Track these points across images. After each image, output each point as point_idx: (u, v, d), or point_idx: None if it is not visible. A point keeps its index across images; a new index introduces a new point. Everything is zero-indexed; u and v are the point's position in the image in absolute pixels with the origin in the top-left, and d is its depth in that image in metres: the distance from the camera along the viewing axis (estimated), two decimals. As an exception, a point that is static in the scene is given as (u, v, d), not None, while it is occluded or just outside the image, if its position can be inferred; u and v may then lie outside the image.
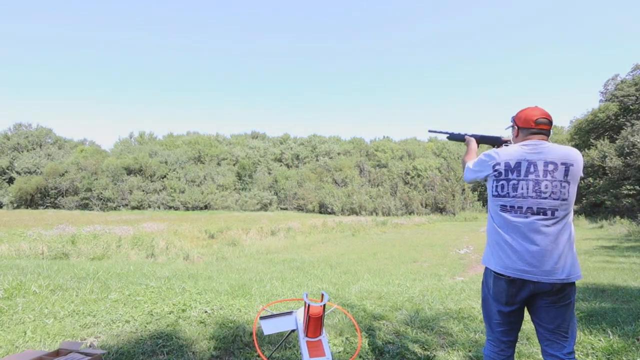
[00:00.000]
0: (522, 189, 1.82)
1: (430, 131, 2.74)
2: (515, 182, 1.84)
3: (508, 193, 1.86)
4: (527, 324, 3.53)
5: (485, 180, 2.01)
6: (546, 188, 1.78)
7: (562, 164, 1.78)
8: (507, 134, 2.30)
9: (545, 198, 1.78)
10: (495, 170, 1.91)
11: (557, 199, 1.77)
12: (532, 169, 1.81)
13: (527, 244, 1.79)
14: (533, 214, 1.79)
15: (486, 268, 1.98)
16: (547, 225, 1.77)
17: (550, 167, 1.79)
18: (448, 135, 2.62)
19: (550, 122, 1.91)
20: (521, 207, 1.82)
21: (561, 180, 1.77)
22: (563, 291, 1.79)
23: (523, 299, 1.84)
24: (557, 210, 1.77)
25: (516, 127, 2.02)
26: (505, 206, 1.87)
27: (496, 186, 1.91)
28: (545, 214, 1.77)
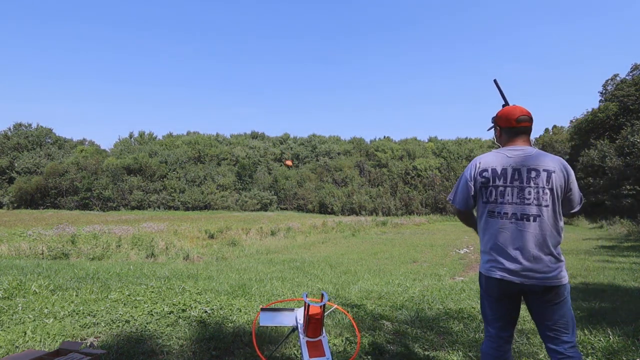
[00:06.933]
0: (508, 195, 1.88)
1: (495, 81, 2.32)
2: (502, 188, 1.90)
3: (496, 199, 1.92)
4: (528, 324, 3.53)
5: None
6: (529, 194, 1.84)
7: (544, 170, 1.84)
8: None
9: (529, 204, 1.83)
10: (483, 177, 1.96)
11: (540, 205, 1.82)
12: (516, 176, 1.87)
13: (511, 249, 1.85)
14: (517, 219, 1.85)
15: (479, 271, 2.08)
16: (530, 231, 1.82)
17: (533, 174, 1.85)
18: (500, 93, 2.25)
19: (530, 119, 1.96)
20: (507, 213, 1.88)
21: (543, 187, 1.83)
22: (551, 291, 1.83)
23: (513, 294, 1.91)
24: (539, 216, 1.82)
25: (498, 127, 2.07)
26: (493, 212, 1.93)
27: (485, 193, 1.97)
28: (528, 219, 1.83)
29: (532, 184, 1.83)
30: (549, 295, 1.83)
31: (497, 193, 1.91)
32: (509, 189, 1.88)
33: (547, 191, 1.82)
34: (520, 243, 1.82)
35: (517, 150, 1.92)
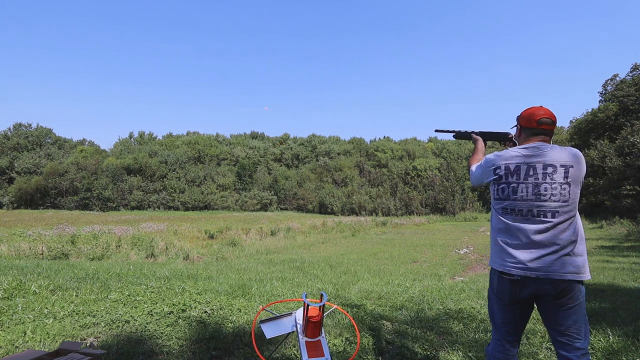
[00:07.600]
0: (522, 192, 1.84)
1: (436, 131, 2.73)
2: (515, 185, 1.87)
3: (508, 196, 1.89)
4: (527, 323, 3.53)
5: (489, 184, 2.04)
6: (545, 191, 1.80)
7: (562, 166, 1.80)
8: (513, 132, 2.31)
9: (545, 200, 1.79)
10: (496, 174, 1.94)
11: (558, 201, 1.78)
12: (531, 172, 1.84)
13: (527, 246, 1.81)
14: (533, 216, 1.81)
15: (491, 268, 2.01)
16: (548, 227, 1.78)
17: (550, 169, 1.81)
18: (454, 134, 2.59)
19: (553, 122, 1.91)
20: (521, 210, 1.84)
21: (561, 183, 1.79)
22: (568, 293, 1.78)
23: (525, 297, 1.86)
24: (557, 212, 1.78)
25: (519, 126, 2.04)
26: (507, 209, 1.90)
27: (497, 189, 1.95)
28: (545, 215, 1.79)
29: (548, 179, 1.80)
30: (564, 298, 1.78)
31: (510, 190, 1.88)
32: (522, 185, 1.84)
33: (565, 186, 1.78)
34: (538, 239, 1.78)
35: (531, 148, 1.88)
